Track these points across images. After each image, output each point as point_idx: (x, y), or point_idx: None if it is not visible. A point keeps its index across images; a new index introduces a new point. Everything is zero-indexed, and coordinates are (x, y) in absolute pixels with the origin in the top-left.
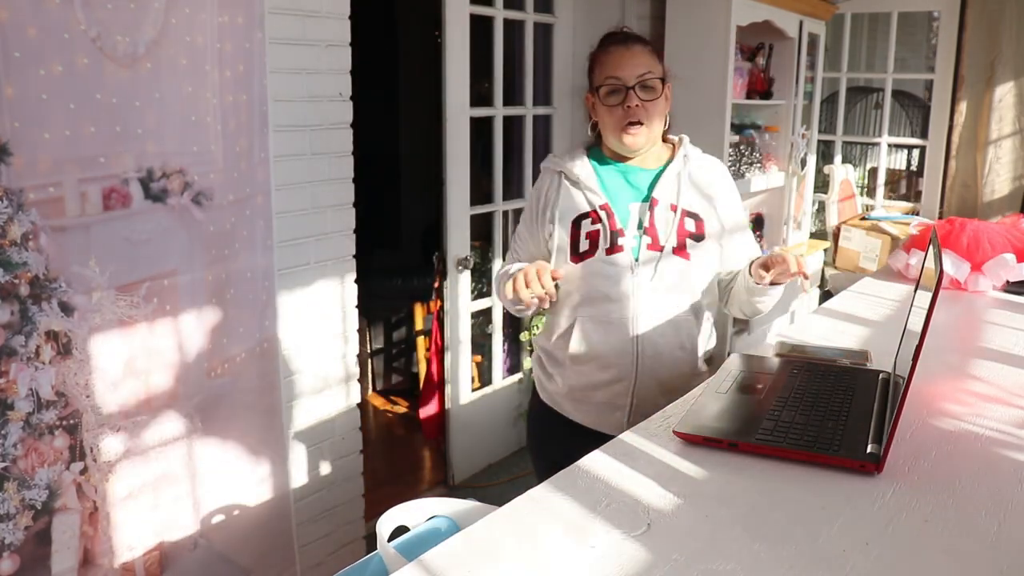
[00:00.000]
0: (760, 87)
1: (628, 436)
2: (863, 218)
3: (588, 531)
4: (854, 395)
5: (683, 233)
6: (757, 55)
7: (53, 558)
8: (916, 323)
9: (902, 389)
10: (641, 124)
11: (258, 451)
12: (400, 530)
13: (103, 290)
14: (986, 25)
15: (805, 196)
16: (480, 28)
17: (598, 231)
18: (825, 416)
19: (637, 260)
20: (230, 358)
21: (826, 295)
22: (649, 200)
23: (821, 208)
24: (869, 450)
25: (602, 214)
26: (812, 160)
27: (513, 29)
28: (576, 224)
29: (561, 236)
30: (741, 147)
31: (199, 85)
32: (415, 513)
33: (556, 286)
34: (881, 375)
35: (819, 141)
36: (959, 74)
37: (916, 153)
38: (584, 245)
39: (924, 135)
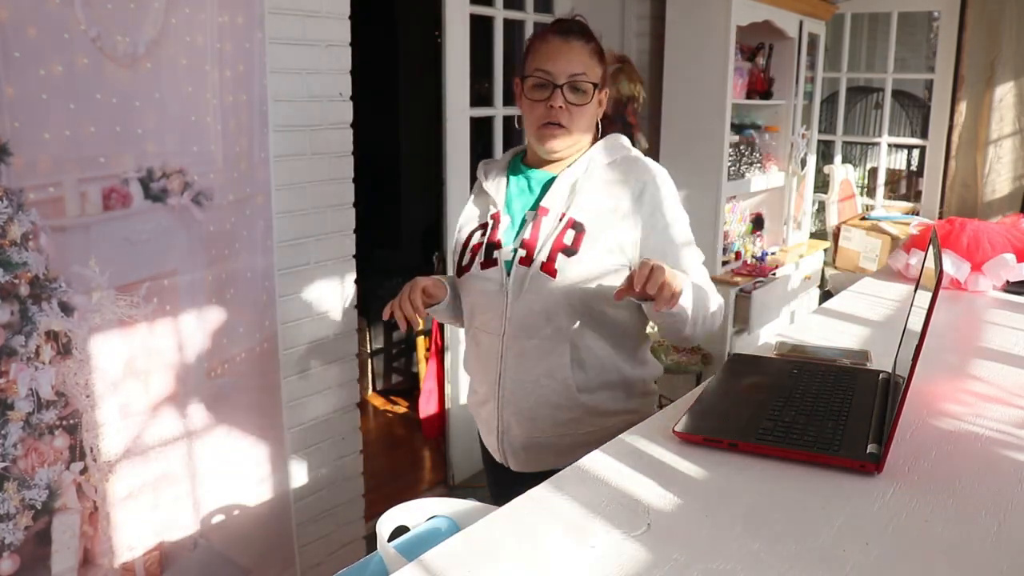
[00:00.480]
0: (760, 87)
1: (628, 436)
2: (863, 218)
3: (588, 531)
4: (854, 395)
5: (558, 246)
6: (757, 55)
7: (53, 558)
8: (916, 323)
9: (902, 389)
10: (562, 127)
11: (258, 451)
12: (400, 530)
13: (103, 290)
14: (986, 25)
15: (805, 196)
16: (480, 28)
17: (480, 244)
18: (825, 416)
19: (509, 275)
20: (230, 358)
21: (826, 295)
22: (536, 208)
23: (821, 208)
24: (869, 450)
25: (490, 223)
26: (812, 160)
27: (513, 29)
28: (470, 236)
29: (456, 249)
30: (741, 147)
31: (199, 85)
32: (415, 513)
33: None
34: (881, 375)
35: (819, 141)
36: (959, 74)
37: (916, 153)
38: (466, 258)
39: (924, 135)
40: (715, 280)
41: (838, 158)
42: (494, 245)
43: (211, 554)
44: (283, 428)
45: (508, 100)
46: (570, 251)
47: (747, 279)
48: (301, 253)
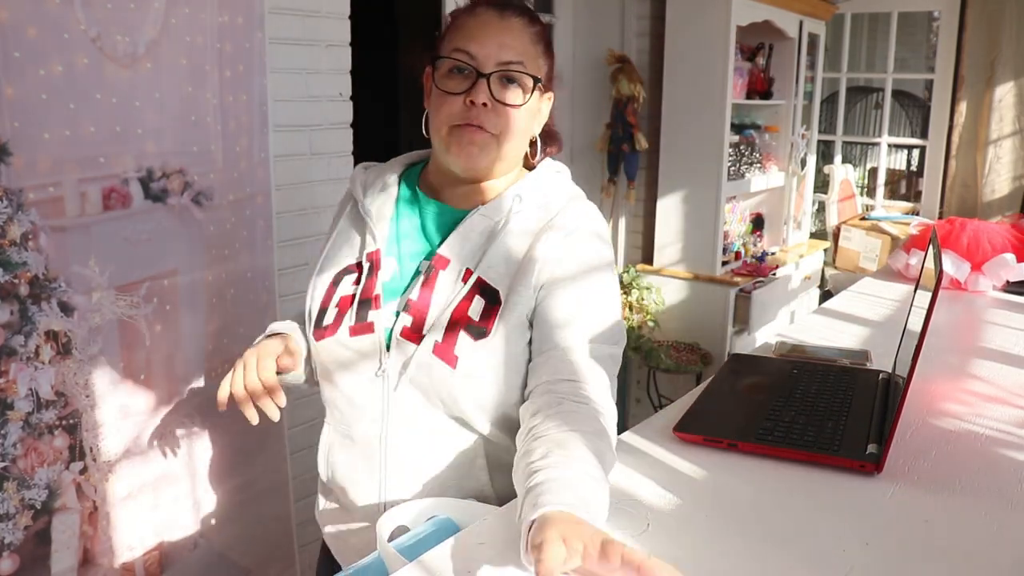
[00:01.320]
0: (760, 87)
1: (628, 436)
2: (863, 218)
3: None
4: (854, 395)
5: (461, 319)
6: (757, 55)
7: (53, 558)
8: (916, 323)
9: (902, 389)
10: (483, 132)
11: (258, 451)
12: (400, 530)
13: (103, 290)
14: (986, 25)
15: (805, 196)
16: None
17: (351, 297)
18: (825, 416)
19: (388, 350)
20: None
21: (826, 295)
22: (432, 257)
23: (821, 208)
24: (869, 450)
25: (365, 267)
26: (812, 160)
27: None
28: (336, 280)
29: (314, 294)
30: (741, 147)
31: (199, 85)
32: (415, 513)
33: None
34: (881, 375)
35: (819, 141)
36: (959, 74)
37: (916, 153)
38: (330, 315)
39: (924, 135)
40: (715, 280)
41: (838, 158)
42: (369, 303)
43: (211, 554)
44: (283, 428)
45: None
46: (478, 330)
47: (747, 279)
48: (301, 253)
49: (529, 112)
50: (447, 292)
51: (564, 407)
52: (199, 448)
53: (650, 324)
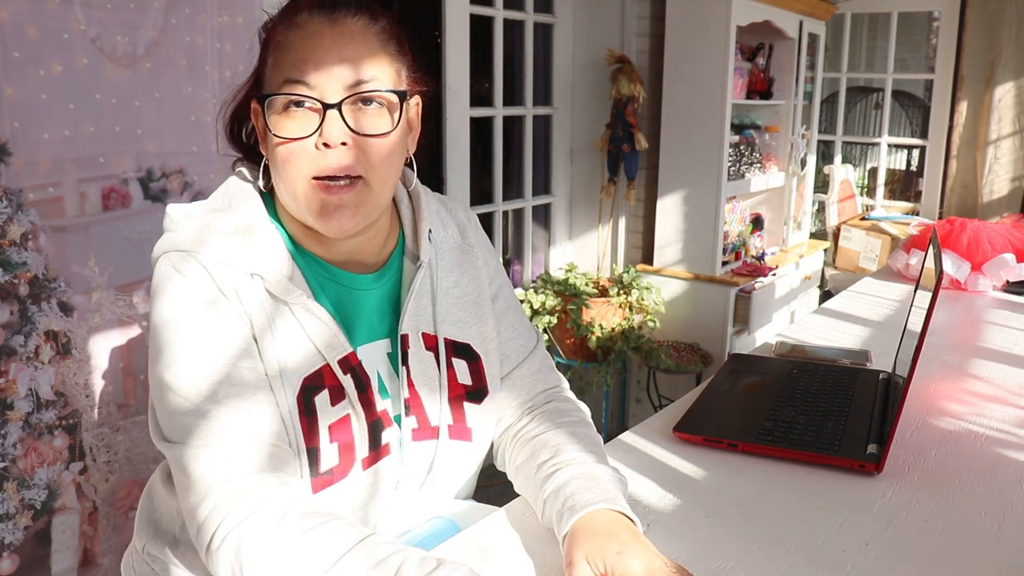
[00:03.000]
0: (760, 87)
1: (628, 436)
2: (863, 218)
3: None
4: (854, 395)
5: (459, 392)
6: (757, 55)
7: (53, 558)
8: (916, 323)
9: (902, 389)
10: (353, 185)
11: None
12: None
13: (103, 290)
14: (986, 25)
15: (805, 196)
16: (480, 28)
17: (348, 419)
18: (825, 416)
19: (402, 461)
20: None
21: (826, 295)
22: (398, 337)
23: (821, 208)
24: (869, 450)
25: (346, 381)
26: (812, 160)
27: (513, 29)
28: (307, 404)
29: (286, 431)
30: (741, 147)
31: (199, 85)
32: (415, 513)
33: None
34: (881, 375)
35: (819, 141)
36: (959, 74)
37: (916, 153)
38: (329, 455)
39: (924, 135)
40: (715, 280)
41: (838, 158)
42: (380, 423)
43: None
44: None
45: (508, 100)
46: (477, 393)
47: (747, 279)
48: None
49: (401, 135)
50: (425, 374)
51: (550, 406)
52: None
53: (650, 324)
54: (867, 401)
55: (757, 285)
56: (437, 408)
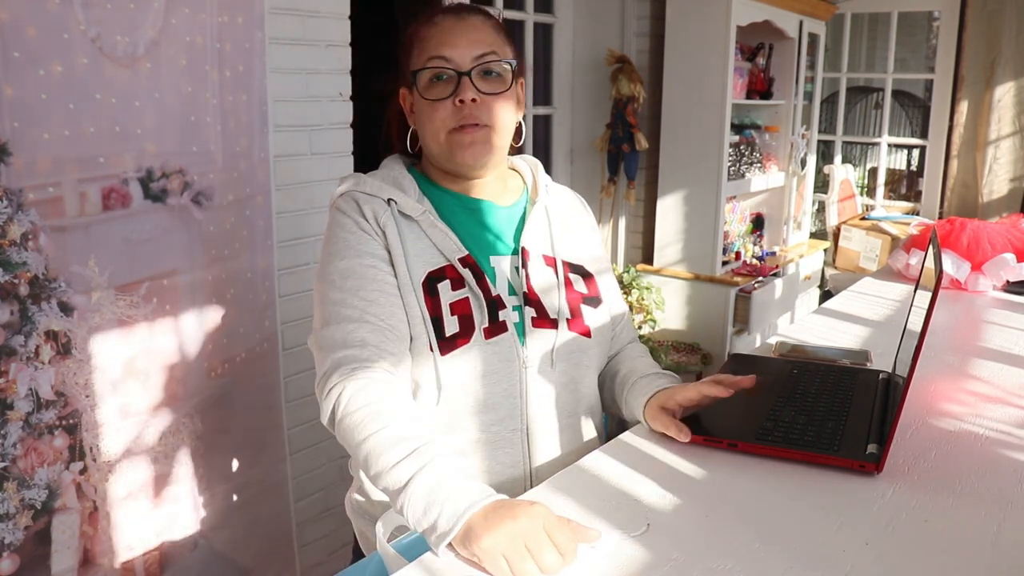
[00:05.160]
0: (760, 87)
1: (628, 436)
2: (863, 218)
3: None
4: (854, 395)
5: (575, 297)
6: (757, 55)
7: (53, 558)
8: (916, 323)
9: (902, 389)
10: (482, 127)
11: (258, 451)
12: (400, 530)
13: (103, 290)
14: (986, 25)
15: (805, 196)
16: None
17: (467, 300)
18: (825, 416)
19: (524, 344)
20: (230, 358)
21: (826, 295)
22: (520, 251)
23: (821, 208)
24: (869, 450)
25: (465, 273)
26: (812, 160)
27: (513, 29)
28: (430, 288)
29: (410, 310)
30: (741, 147)
31: (199, 85)
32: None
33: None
34: (881, 375)
35: (819, 141)
36: (959, 74)
37: (916, 153)
38: (451, 325)
39: (924, 135)
40: (715, 280)
41: (838, 158)
42: (495, 303)
43: (211, 554)
44: (283, 428)
45: None
46: (594, 300)
47: (747, 279)
48: (301, 253)
49: (513, 99)
50: (545, 279)
51: (629, 348)
52: (199, 448)
53: (650, 324)
54: (867, 401)
55: (757, 285)
56: (555, 304)
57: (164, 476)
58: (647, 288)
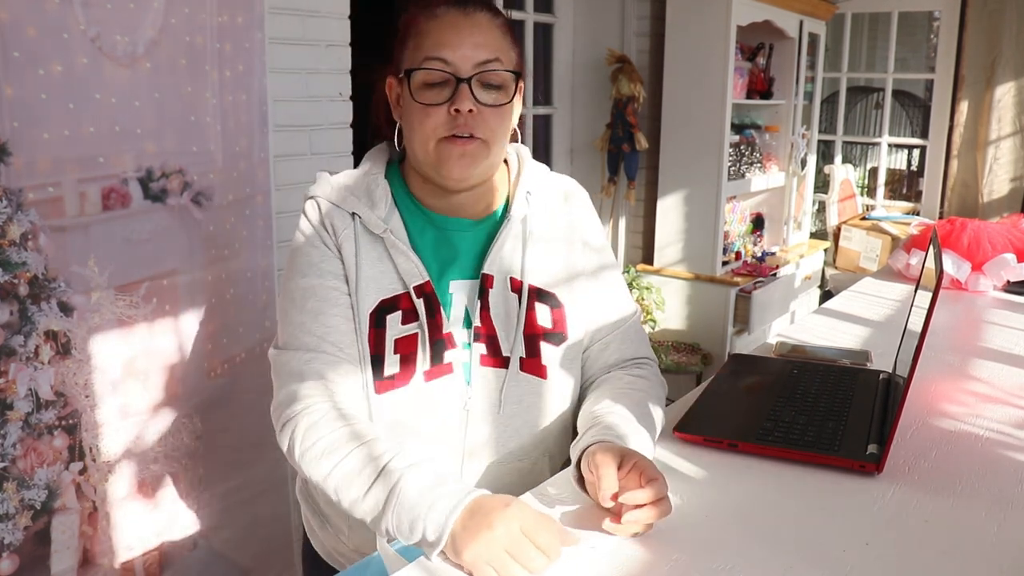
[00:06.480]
0: (760, 87)
1: None
2: (863, 218)
3: (588, 532)
4: (854, 395)
5: (536, 331)
6: (757, 55)
7: (52, 558)
8: (916, 323)
9: (902, 389)
10: (475, 140)
11: (258, 451)
12: None
13: (102, 290)
14: (986, 25)
15: (805, 196)
16: None
17: (414, 337)
18: (825, 416)
19: (468, 384)
20: (230, 358)
21: (826, 295)
22: (480, 277)
23: (821, 208)
24: (869, 450)
25: (419, 303)
26: (812, 160)
27: (513, 29)
28: (379, 319)
29: (355, 339)
30: (741, 147)
31: (198, 85)
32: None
33: None
34: (881, 375)
35: (819, 141)
36: (959, 74)
37: (916, 153)
38: (391, 364)
39: (924, 135)
40: (715, 280)
41: (838, 158)
42: (443, 343)
43: (211, 554)
44: None
45: None
46: (557, 336)
47: (747, 279)
48: None
49: (513, 111)
50: (504, 308)
51: (630, 370)
52: (199, 448)
53: (650, 324)
54: (867, 401)
55: (757, 285)
56: (510, 340)
57: (164, 476)
58: (647, 288)
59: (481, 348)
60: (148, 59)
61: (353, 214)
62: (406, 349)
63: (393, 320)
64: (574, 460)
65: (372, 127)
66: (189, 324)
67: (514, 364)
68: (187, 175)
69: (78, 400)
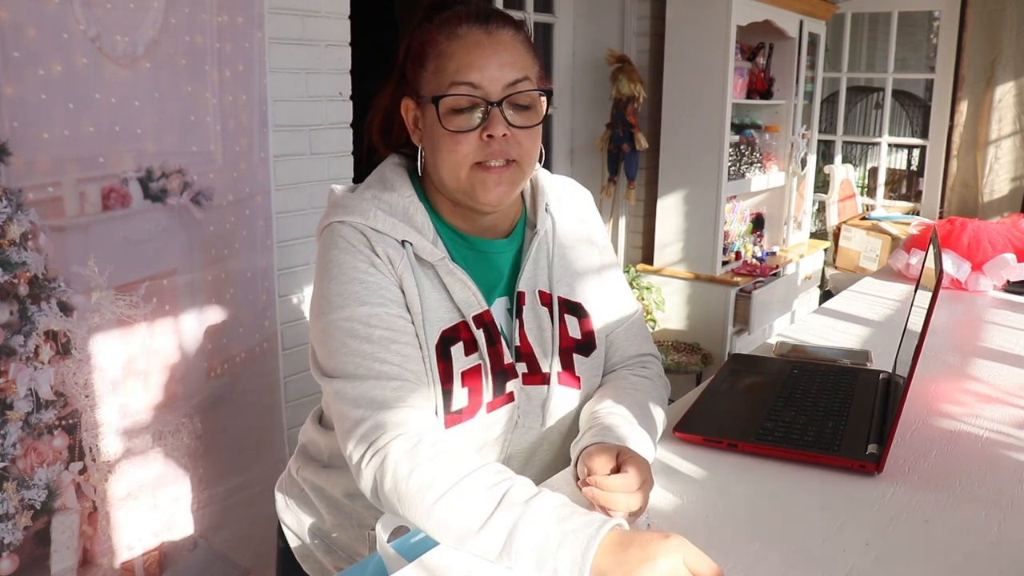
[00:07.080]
0: (760, 87)
1: None
2: (863, 218)
3: None
4: (854, 395)
5: (569, 344)
6: (757, 55)
7: (52, 558)
8: (916, 323)
9: (902, 389)
10: (511, 165)
11: (258, 451)
12: (400, 530)
13: (102, 290)
14: (986, 25)
15: (805, 196)
16: None
17: (479, 369)
18: (825, 416)
19: (518, 406)
20: (230, 358)
21: (826, 295)
22: (515, 295)
23: (821, 208)
24: (869, 450)
25: (479, 335)
26: (812, 160)
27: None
28: (443, 351)
29: (428, 374)
30: (741, 147)
31: (198, 85)
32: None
33: None
34: (881, 375)
35: (819, 141)
36: (959, 74)
37: (916, 153)
38: (460, 398)
39: (924, 135)
40: (715, 280)
41: (838, 158)
42: (506, 373)
43: (211, 554)
44: (283, 428)
45: None
46: (586, 347)
47: (747, 279)
48: (301, 253)
49: (539, 127)
50: (536, 324)
51: (634, 370)
52: (199, 448)
53: (650, 324)
54: (867, 401)
55: (757, 285)
56: (548, 357)
57: (164, 476)
58: (647, 288)
59: (523, 367)
60: (148, 59)
61: (403, 241)
62: (472, 382)
63: (457, 352)
64: (573, 459)
65: (367, 143)
66: (189, 324)
67: (554, 380)
68: (187, 175)
69: (78, 400)
